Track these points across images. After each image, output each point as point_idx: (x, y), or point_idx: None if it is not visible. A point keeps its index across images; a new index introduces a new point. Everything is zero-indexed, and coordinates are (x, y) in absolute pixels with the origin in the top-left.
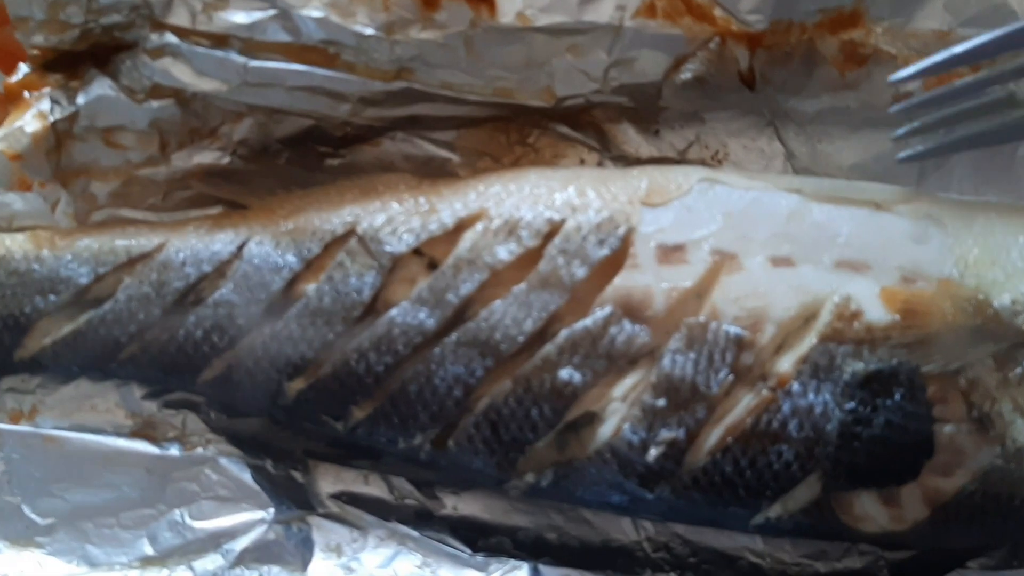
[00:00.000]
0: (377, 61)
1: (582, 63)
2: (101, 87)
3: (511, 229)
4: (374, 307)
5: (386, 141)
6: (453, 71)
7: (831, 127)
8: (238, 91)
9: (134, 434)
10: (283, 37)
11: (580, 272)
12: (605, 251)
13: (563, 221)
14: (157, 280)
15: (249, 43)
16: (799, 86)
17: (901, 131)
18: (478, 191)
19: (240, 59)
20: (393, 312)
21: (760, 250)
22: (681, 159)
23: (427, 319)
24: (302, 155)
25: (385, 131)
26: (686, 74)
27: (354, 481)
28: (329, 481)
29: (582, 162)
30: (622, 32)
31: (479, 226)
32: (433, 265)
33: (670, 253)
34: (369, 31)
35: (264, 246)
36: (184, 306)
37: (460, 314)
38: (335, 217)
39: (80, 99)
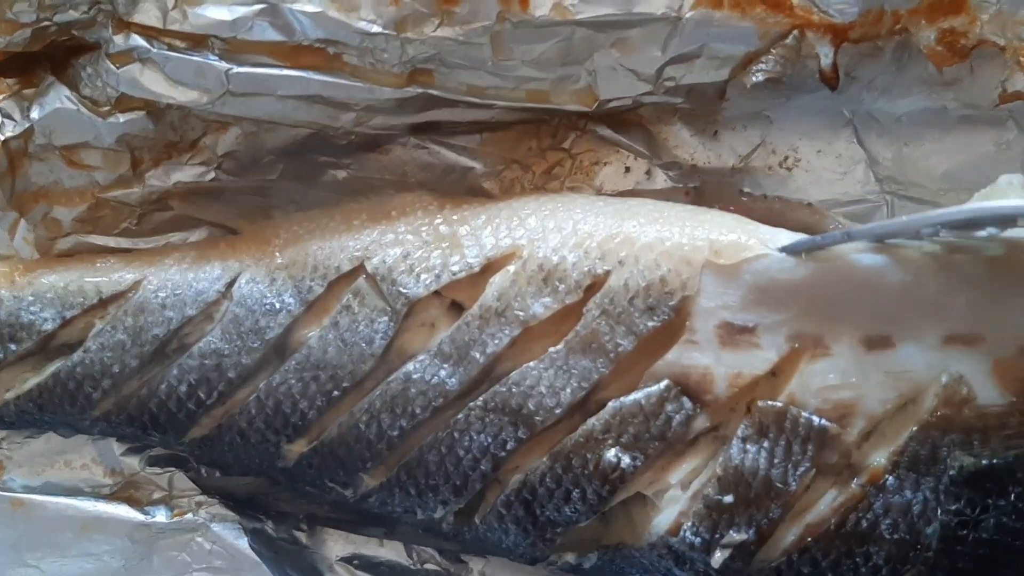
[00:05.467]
0: (386, 63)
1: (631, 61)
2: (58, 98)
3: (547, 277)
4: (386, 358)
5: (397, 148)
6: (477, 72)
7: (921, 128)
8: (220, 102)
9: (114, 496)
10: (273, 36)
11: (625, 343)
12: (655, 323)
13: (607, 274)
14: (133, 325)
15: (232, 44)
16: (888, 84)
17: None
18: (510, 224)
19: (221, 64)
20: (409, 367)
21: (852, 330)
22: (743, 166)
23: (449, 378)
24: (299, 167)
25: (396, 137)
26: (757, 75)
27: (367, 543)
28: (339, 543)
29: (627, 170)
30: (680, 25)
31: (510, 268)
32: (456, 305)
33: (736, 335)
34: (375, 28)
35: (257, 284)
36: (165, 356)
37: (487, 372)
38: (340, 250)
39: (34, 113)
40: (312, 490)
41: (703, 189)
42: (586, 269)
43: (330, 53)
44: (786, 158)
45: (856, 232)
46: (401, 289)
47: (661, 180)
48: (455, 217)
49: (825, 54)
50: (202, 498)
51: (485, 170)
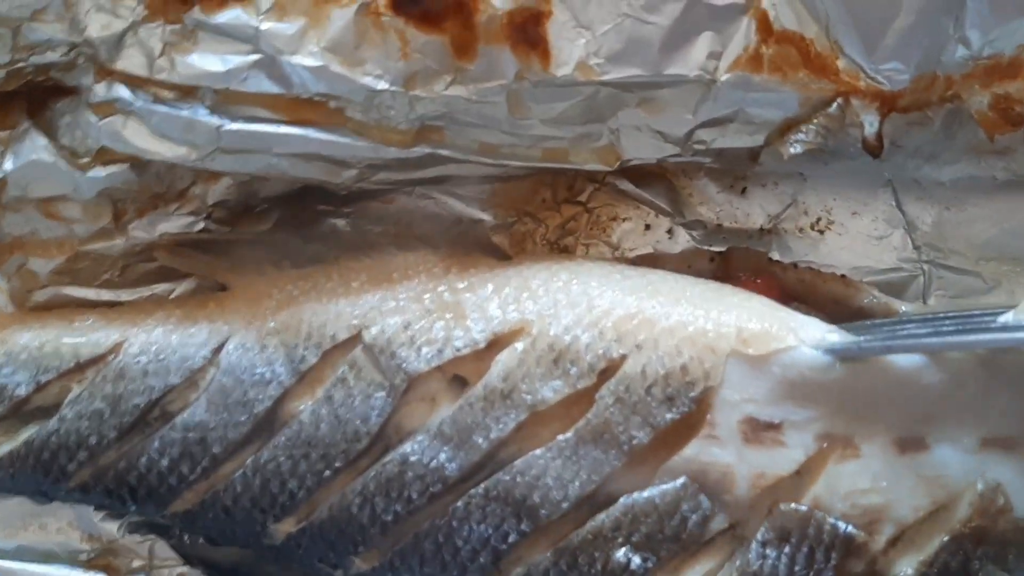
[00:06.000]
0: (392, 120)
1: (659, 122)
2: (34, 148)
3: (557, 358)
4: (383, 434)
5: (401, 197)
6: (491, 131)
7: (964, 193)
8: (210, 158)
9: (91, 564)
10: (269, 88)
11: (640, 436)
12: (673, 415)
13: (623, 359)
14: (112, 393)
15: (224, 95)
16: (934, 152)
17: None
18: (519, 296)
19: (212, 120)
20: (407, 448)
21: (884, 431)
22: (772, 227)
23: (448, 462)
24: (296, 216)
25: (401, 187)
26: (795, 146)
27: None
28: None
29: (647, 228)
30: (715, 88)
31: (518, 346)
32: (458, 378)
33: (761, 431)
34: (382, 85)
35: (247, 351)
36: (146, 425)
37: (490, 458)
38: (337, 316)
39: (8, 163)
40: (301, 567)
41: (729, 255)
42: (600, 352)
43: (331, 107)
44: (818, 219)
45: (897, 347)
46: (401, 363)
47: (683, 240)
48: (460, 285)
49: (870, 123)
50: (184, 569)
51: (495, 223)
